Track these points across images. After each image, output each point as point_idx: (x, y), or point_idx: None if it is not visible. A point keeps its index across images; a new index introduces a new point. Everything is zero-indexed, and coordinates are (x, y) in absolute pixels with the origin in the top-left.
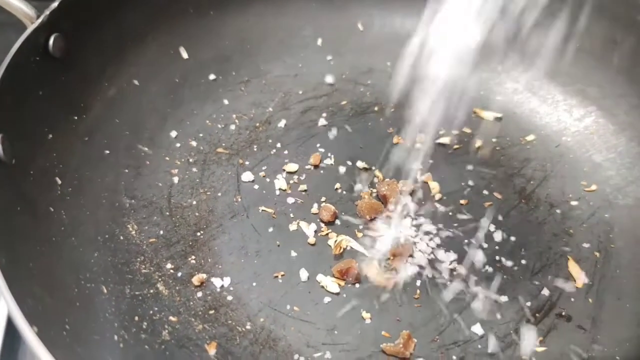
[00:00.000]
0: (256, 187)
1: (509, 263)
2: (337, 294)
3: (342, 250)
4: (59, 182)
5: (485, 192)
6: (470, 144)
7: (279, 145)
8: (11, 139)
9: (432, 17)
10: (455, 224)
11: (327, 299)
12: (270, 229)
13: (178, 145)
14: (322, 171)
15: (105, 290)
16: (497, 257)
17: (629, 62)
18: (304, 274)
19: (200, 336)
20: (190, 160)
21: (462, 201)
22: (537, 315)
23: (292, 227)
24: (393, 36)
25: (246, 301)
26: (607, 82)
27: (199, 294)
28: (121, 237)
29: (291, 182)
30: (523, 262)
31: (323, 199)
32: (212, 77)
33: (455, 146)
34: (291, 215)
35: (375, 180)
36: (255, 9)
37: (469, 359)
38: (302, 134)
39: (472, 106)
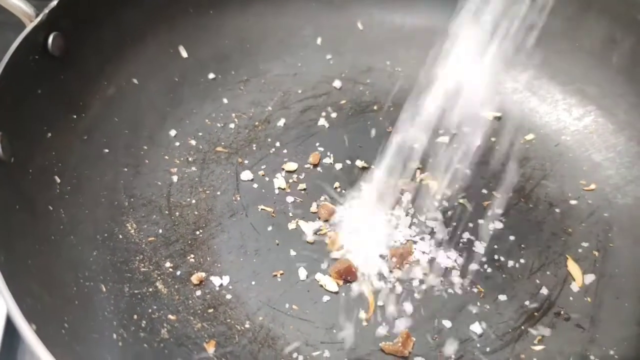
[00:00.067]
0: (255, 186)
1: (508, 262)
2: (336, 292)
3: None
4: (58, 180)
5: (484, 191)
6: (469, 143)
7: (278, 144)
8: (10, 137)
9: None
10: (454, 223)
11: (326, 298)
12: (270, 228)
13: (177, 144)
14: (321, 170)
15: (104, 289)
16: (496, 256)
17: (628, 62)
18: (302, 273)
19: (199, 335)
20: (190, 159)
21: (461, 200)
22: (535, 314)
23: (291, 226)
24: (392, 35)
25: (245, 300)
26: (606, 82)
27: (198, 293)
28: (120, 236)
29: (290, 181)
30: (522, 261)
31: (322, 197)
32: (211, 76)
33: (454, 145)
34: (290, 214)
35: (373, 179)
36: (255, 8)
37: (468, 357)
38: (301, 133)
39: (471, 105)
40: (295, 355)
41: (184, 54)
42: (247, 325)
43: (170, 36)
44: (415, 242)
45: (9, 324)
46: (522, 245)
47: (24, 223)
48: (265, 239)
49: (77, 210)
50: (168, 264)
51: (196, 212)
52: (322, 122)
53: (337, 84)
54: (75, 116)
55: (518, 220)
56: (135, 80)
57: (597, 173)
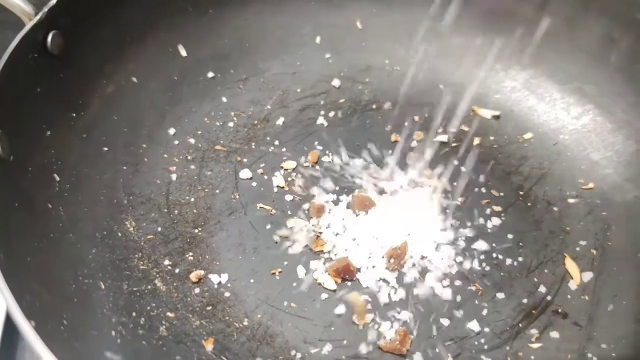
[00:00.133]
0: (254, 184)
1: (507, 260)
2: (334, 290)
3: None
4: (57, 178)
5: (483, 189)
6: (468, 141)
7: (277, 142)
8: (9, 135)
9: None
10: (453, 222)
11: (324, 296)
12: (268, 226)
13: (176, 142)
14: (320, 169)
15: (103, 286)
16: (495, 255)
17: (626, 61)
18: (301, 271)
19: (197, 332)
20: (189, 157)
21: (459, 198)
22: (533, 312)
23: (290, 224)
24: (391, 34)
25: (243, 297)
26: (604, 81)
27: (197, 290)
28: (119, 234)
29: (289, 179)
30: (520, 259)
31: (320, 196)
32: (210, 74)
33: (453, 144)
34: (289, 212)
35: (371, 177)
36: (254, 7)
37: (466, 355)
38: (300, 131)
39: (470, 104)
40: (293, 352)
41: (183, 52)
42: (245, 323)
43: (170, 35)
44: (412, 241)
45: (9, 321)
46: (520, 244)
47: (23, 221)
48: (264, 237)
49: (76, 208)
50: (167, 262)
51: (195, 211)
52: (320, 120)
53: (336, 82)
54: (74, 114)
55: (516, 218)
56: (134, 79)
57: (595, 172)
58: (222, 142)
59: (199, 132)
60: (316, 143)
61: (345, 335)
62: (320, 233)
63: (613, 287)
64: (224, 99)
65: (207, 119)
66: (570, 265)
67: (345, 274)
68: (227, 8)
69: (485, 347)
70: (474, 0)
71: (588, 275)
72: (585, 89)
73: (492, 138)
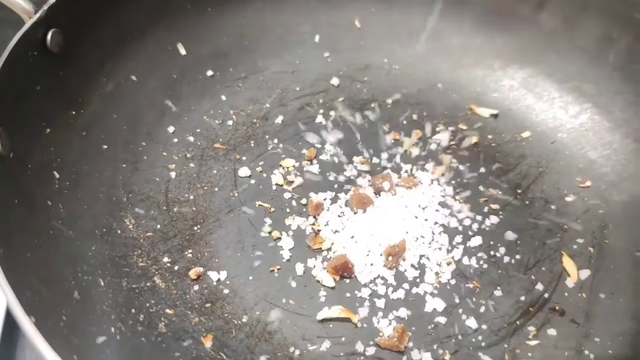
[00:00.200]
0: (253, 182)
1: (504, 258)
2: (333, 288)
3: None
4: (57, 176)
5: (481, 187)
6: (466, 140)
7: (276, 140)
8: (9, 132)
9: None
10: (451, 219)
11: (322, 293)
12: (267, 224)
13: (175, 140)
14: (318, 167)
15: (102, 283)
16: (492, 252)
17: (625, 60)
18: (299, 268)
19: (196, 329)
20: (188, 155)
21: (457, 197)
22: (531, 309)
23: (288, 221)
24: (390, 33)
25: (242, 295)
26: (603, 79)
27: (196, 287)
28: (118, 231)
29: (288, 177)
30: (518, 257)
31: (315, 194)
32: (209, 73)
33: (451, 142)
34: (287, 210)
35: (369, 175)
36: (253, 5)
37: (463, 352)
38: (299, 130)
39: (468, 103)
40: (292, 349)
41: (183, 51)
42: (244, 320)
43: (169, 33)
44: (410, 239)
45: (8, 319)
46: (518, 242)
47: (22, 217)
48: (263, 234)
49: (75, 205)
50: (166, 259)
51: (194, 208)
52: (319, 119)
53: (334, 81)
54: (74, 112)
55: (514, 216)
56: (134, 77)
57: (593, 170)
58: (221, 140)
59: (198, 130)
60: (315, 141)
61: (343, 332)
62: (319, 231)
63: (610, 284)
64: (223, 97)
65: (206, 117)
66: (568, 263)
67: (344, 271)
68: (226, 6)
69: (483, 344)
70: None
71: (585, 273)
72: (583, 88)
73: (490, 137)
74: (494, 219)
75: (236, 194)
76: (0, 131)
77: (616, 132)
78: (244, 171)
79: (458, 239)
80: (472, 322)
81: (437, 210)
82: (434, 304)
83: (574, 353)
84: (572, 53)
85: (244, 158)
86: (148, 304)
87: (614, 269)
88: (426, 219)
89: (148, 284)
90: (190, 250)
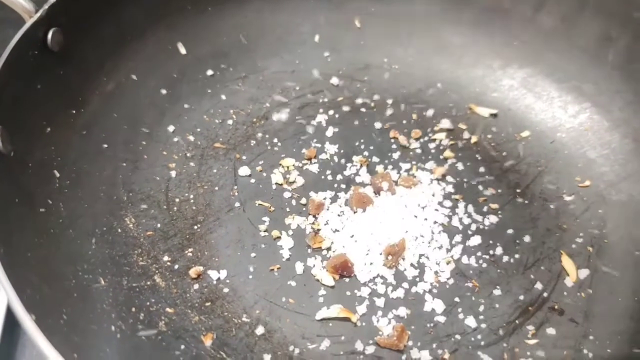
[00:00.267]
0: (253, 181)
1: (503, 257)
2: (332, 287)
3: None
4: (57, 175)
5: (480, 187)
6: (465, 139)
7: (275, 140)
8: (10, 131)
9: None
10: (450, 219)
11: (322, 292)
12: (267, 223)
13: (176, 139)
14: (318, 166)
15: (102, 282)
16: (491, 251)
17: (624, 59)
18: (299, 267)
19: (196, 327)
20: (188, 154)
21: (456, 196)
22: (530, 308)
23: (288, 220)
24: (390, 33)
25: (242, 293)
26: (602, 79)
27: (196, 286)
28: (119, 230)
29: (287, 176)
30: (517, 256)
31: (315, 193)
32: (209, 72)
33: (451, 142)
34: (287, 209)
35: (369, 175)
36: (253, 5)
37: (463, 351)
38: (298, 129)
39: (468, 102)
40: (291, 348)
41: (183, 50)
42: (244, 319)
43: (169, 33)
44: (410, 238)
45: (8, 318)
46: (517, 241)
47: (23, 216)
48: (263, 233)
49: (76, 204)
50: (166, 258)
51: (194, 207)
52: (319, 118)
53: (334, 81)
54: (74, 111)
55: (513, 216)
56: (134, 77)
57: (592, 170)
58: (221, 139)
59: (198, 130)
60: (315, 141)
61: (343, 331)
62: (319, 230)
63: (609, 284)
64: (223, 97)
65: (206, 116)
66: (567, 262)
67: (343, 270)
68: (226, 6)
69: (482, 343)
70: None
71: (584, 272)
72: (582, 88)
73: (489, 136)
74: (493, 219)
75: (236, 193)
76: (0, 130)
77: (615, 132)
78: (244, 170)
79: (457, 238)
80: (471, 321)
81: (436, 210)
82: (434, 303)
83: (573, 352)
84: (571, 52)
85: (244, 157)
86: (148, 303)
87: (612, 268)
88: (426, 218)
89: (148, 282)
90: (190, 249)
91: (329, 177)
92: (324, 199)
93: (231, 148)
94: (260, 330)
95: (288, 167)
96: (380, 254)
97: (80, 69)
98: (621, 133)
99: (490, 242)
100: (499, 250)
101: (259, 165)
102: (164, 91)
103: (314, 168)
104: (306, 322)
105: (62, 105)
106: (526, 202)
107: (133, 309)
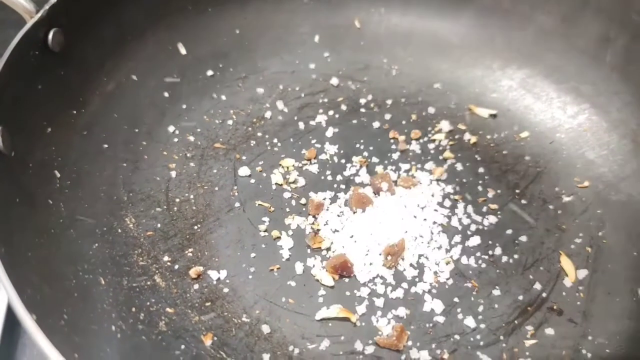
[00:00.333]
0: (253, 181)
1: (502, 257)
2: (332, 287)
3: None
4: (58, 175)
5: (480, 187)
6: (465, 140)
7: (275, 140)
8: (11, 131)
9: None
10: (449, 219)
11: (321, 292)
12: (267, 223)
13: (176, 140)
14: (318, 166)
15: (103, 282)
16: (491, 252)
17: (622, 60)
18: (299, 268)
19: (196, 327)
20: (188, 154)
21: (456, 196)
22: (529, 308)
23: (288, 221)
24: (390, 33)
25: (242, 293)
26: (600, 80)
27: (196, 286)
28: (119, 230)
29: (287, 177)
30: (516, 256)
31: (315, 193)
32: (209, 73)
33: (450, 142)
34: (287, 209)
35: (369, 175)
36: (253, 5)
37: (462, 351)
38: (298, 129)
39: (467, 103)
40: (291, 348)
41: (183, 51)
42: (244, 319)
43: (170, 33)
44: (409, 239)
45: (9, 317)
46: (516, 241)
47: (23, 216)
48: (262, 234)
49: (76, 204)
50: (166, 258)
51: (194, 207)
52: (319, 119)
53: (334, 81)
54: (75, 111)
55: (512, 216)
56: (134, 77)
57: (591, 170)
58: (221, 139)
59: (198, 130)
60: (314, 141)
61: (342, 331)
62: (318, 230)
63: (607, 284)
64: (223, 97)
65: (206, 116)
66: (566, 263)
67: (343, 270)
68: (226, 6)
69: (481, 343)
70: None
71: (583, 273)
72: (581, 89)
73: (488, 137)
74: (492, 219)
75: (236, 194)
76: (1, 130)
77: (614, 133)
78: (243, 171)
79: (457, 238)
80: (470, 322)
81: (435, 210)
82: (433, 303)
83: (572, 352)
84: (570, 53)
85: (244, 157)
86: (148, 303)
87: (611, 269)
88: (425, 219)
89: (148, 282)
90: (190, 249)
91: (329, 178)
92: (324, 199)
93: (231, 148)
94: (260, 330)
95: (288, 168)
96: (380, 254)
97: (81, 69)
98: (620, 134)
99: (490, 242)
100: (498, 251)
101: (259, 165)
102: (164, 92)
103: (313, 168)
104: (306, 322)
105: (62, 105)
106: (525, 202)
107: (133, 309)
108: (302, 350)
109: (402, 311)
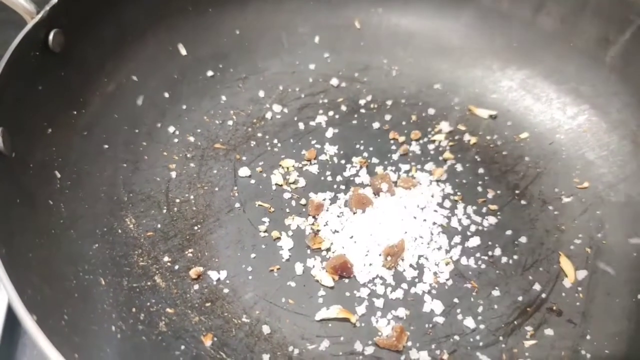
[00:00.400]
0: (253, 182)
1: (502, 258)
2: (332, 287)
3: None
4: (58, 175)
5: (479, 188)
6: (464, 141)
7: (275, 141)
8: (11, 132)
9: None
10: (449, 220)
11: (321, 293)
12: (267, 224)
13: (176, 140)
14: (317, 167)
15: (103, 282)
16: (490, 253)
17: (621, 61)
18: (299, 268)
19: (196, 328)
20: (188, 155)
21: (455, 197)
22: (528, 309)
23: (288, 221)
24: (389, 34)
25: (242, 294)
26: (600, 81)
27: (196, 287)
28: (119, 231)
29: (287, 177)
30: (515, 257)
31: (315, 194)
32: (210, 73)
33: (450, 143)
34: (287, 210)
35: (369, 176)
36: (254, 6)
37: (461, 351)
38: (298, 130)
39: (467, 104)
40: (291, 348)
41: (183, 51)
42: (244, 319)
43: (170, 34)
44: (409, 239)
45: (10, 317)
46: (516, 242)
47: (24, 217)
48: (262, 234)
49: (77, 205)
50: (166, 259)
51: (194, 208)
52: (319, 119)
53: (334, 82)
54: (75, 112)
55: (512, 217)
56: (134, 78)
57: (590, 171)
58: (221, 140)
59: (199, 131)
60: (314, 141)
61: (342, 331)
62: (318, 230)
63: (607, 285)
64: (224, 98)
65: (206, 117)
66: (565, 264)
67: (343, 271)
68: (226, 7)
69: (481, 343)
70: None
71: (582, 274)
72: (581, 89)
73: (488, 137)
74: (492, 220)
75: (236, 194)
76: (2, 131)
77: (613, 134)
78: (244, 171)
79: (456, 239)
80: (470, 322)
81: (435, 211)
82: (432, 303)
83: (571, 353)
84: (570, 54)
85: (244, 158)
86: (148, 303)
87: (611, 270)
88: (425, 220)
89: (149, 283)
90: (190, 250)
91: (329, 178)
92: (324, 199)
93: (231, 149)
94: (260, 330)
95: (288, 168)
96: (380, 254)
97: (81, 70)
98: (619, 135)
99: (489, 243)
100: (497, 252)
101: (259, 166)
102: (164, 92)
103: (313, 169)
104: (306, 323)
105: (63, 106)
106: (525, 203)
107: (133, 310)
108: (302, 350)
109: (401, 312)
